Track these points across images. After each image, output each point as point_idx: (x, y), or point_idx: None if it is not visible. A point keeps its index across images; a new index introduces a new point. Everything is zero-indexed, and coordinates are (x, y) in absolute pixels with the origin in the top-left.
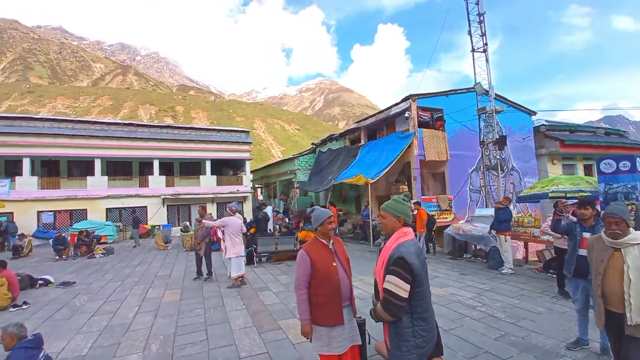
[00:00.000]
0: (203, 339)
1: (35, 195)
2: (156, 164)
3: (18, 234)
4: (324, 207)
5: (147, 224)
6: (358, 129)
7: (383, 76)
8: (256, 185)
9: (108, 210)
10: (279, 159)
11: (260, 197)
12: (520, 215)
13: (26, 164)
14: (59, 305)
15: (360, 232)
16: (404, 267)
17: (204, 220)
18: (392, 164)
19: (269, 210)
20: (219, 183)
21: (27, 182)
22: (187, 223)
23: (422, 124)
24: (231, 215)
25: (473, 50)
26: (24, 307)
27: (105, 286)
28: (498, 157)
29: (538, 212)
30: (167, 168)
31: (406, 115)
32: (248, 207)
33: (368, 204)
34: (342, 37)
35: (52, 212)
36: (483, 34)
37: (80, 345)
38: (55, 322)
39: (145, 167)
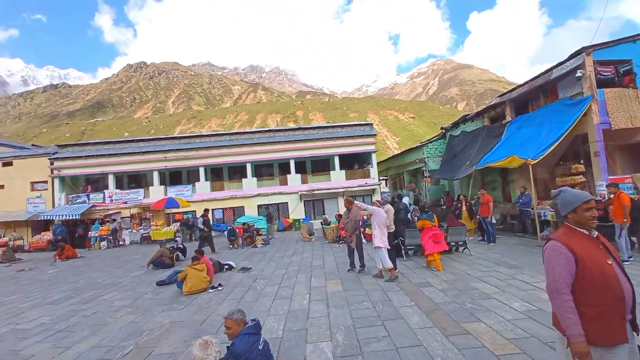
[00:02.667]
0: (385, 335)
1: (209, 196)
2: (292, 163)
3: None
4: (460, 196)
5: (289, 217)
6: (501, 104)
7: (510, 43)
8: (380, 178)
9: (259, 206)
10: (400, 150)
11: (386, 189)
12: None
13: (202, 172)
14: (244, 288)
15: (515, 223)
16: None
17: (357, 203)
18: (561, 139)
19: (405, 201)
20: (347, 177)
21: (203, 186)
22: (326, 216)
23: (602, 83)
24: (379, 206)
25: None
26: (220, 288)
27: (274, 273)
28: None
29: None
30: (301, 166)
31: (578, 74)
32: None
33: (525, 189)
34: (455, 9)
35: (221, 210)
36: None
37: (274, 327)
38: (247, 303)
39: (282, 167)
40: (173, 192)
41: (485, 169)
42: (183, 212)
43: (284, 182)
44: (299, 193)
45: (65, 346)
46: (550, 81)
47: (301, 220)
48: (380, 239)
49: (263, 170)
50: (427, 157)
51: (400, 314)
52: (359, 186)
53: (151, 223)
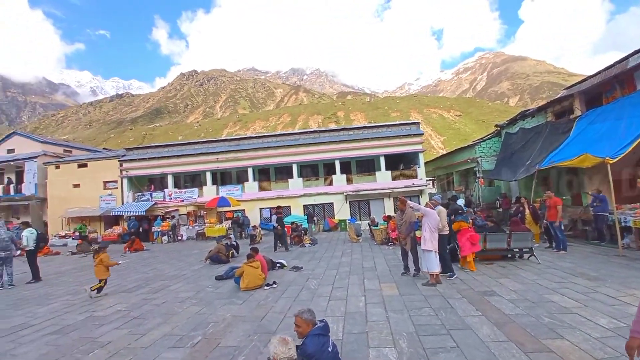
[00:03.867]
0: (453, 346)
1: (257, 195)
2: (337, 164)
3: (251, 225)
4: (521, 198)
5: (334, 218)
6: (568, 97)
7: (568, 32)
8: (427, 179)
9: (305, 206)
10: (445, 150)
11: (433, 190)
12: None
13: (250, 173)
14: (298, 286)
15: (588, 230)
16: None
17: (410, 203)
18: None
19: (460, 202)
20: (393, 178)
21: (251, 186)
22: (374, 217)
23: None
24: (432, 208)
25: None
26: (274, 286)
27: (325, 273)
28: None
29: None
30: (346, 167)
31: None
32: (425, 202)
33: (599, 191)
34: None
35: (268, 209)
36: None
37: (333, 328)
38: (302, 302)
39: (327, 167)
40: (224, 191)
41: (549, 169)
42: (233, 210)
43: (329, 183)
44: (345, 193)
45: (141, 333)
46: (626, 70)
47: (347, 221)
48: (431, 242)
49: (308, 171)
50: (480, 156)
51: (466, 323)
52: (405, 187)
53: (205, 220)
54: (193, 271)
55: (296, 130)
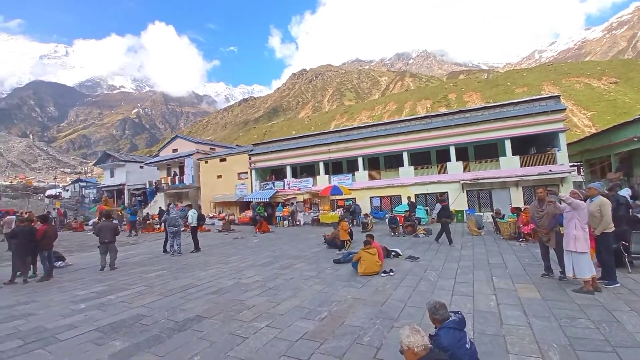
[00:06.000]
0: None
1: (367, 184)
2: (452, 150)
3: (363, 214)
4: None
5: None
6: None
7: None
8: (570, 164)
9: (416, 196)
10: (595, 128)
11: (580, 178)
12: None
13: (360, 162)
14: (415, 277)
15: None
16: None
17: (563, 195)
18: None
19: (624, 192)
20: (523, 164)
21: (361, 175)
22: (499, 208)
23: None
24: (580, 199)
25: None
26: (391, 273)
27: (444, 265)
28: None
29: None
30: (462, 153)
31: None
32: (567, 192)
33: None
34: None
35: (379, 197)
36: None
37: None
38: (422, 293)
39: (441, 154)
40: (335, 180)
41: None
42: (345, 198)
43: (443, 171)
44: (461, 182)
45: (276, 301)
46: None
47: (465, 212)
48: (585, 242)
49: (419, 159)
50: None
51: (639, 342)
52: (539, 174)
53: (319, 207)
54: (312, 253)
55: (407, 117)
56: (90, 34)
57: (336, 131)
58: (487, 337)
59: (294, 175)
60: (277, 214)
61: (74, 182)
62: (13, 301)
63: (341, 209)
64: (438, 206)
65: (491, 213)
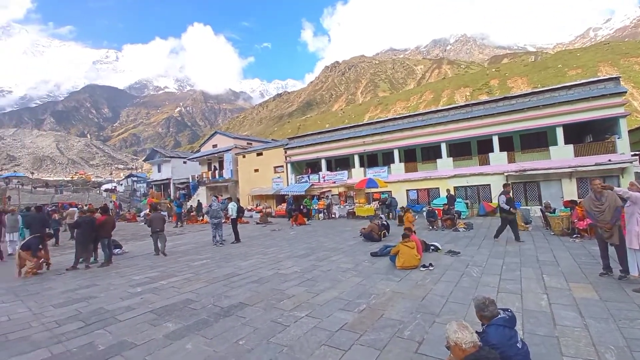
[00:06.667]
0: None
1: (403, 177)
2: (495, 140)
3: (399, 207)
4: None
5: (491, 202)
6: None
7: None
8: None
9: (456, 188)
10: None
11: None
12: None
13: (396, 154)
14: (456, 272)
15: None
16: None
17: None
18: None
19: None
20: (577, 153)
21: (397, 168)
22: (549, 202)
23: None
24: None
25: None
26: (430, 268)
27: (487, 261)
28: None
29: None
30: (506, 143)
31: None
32: (627, 183)
33: None
34: None
35: (415, 190)
36: None
37: None
38: (465, 289)
39: (482, 145)
40: (371, 173)
41: None
42: (380, 191)
43: (485, 162)
44: (505, 174)
45: (315, 292)
46: None
47: None
48: None
49: (459, 150)
50: None
51: None
52: (596, 165)
53: (355, 200)
54: (349, 246)
55: (445, 107)
56: (137, 38)
57: (370, 123)
58: (538, 338)
59: (329, 168)
60: (314, 206)
61: (126, 177)
62: (75, 285)
63: (377, 202)
64: (502, 198)
65: (540, 207)
